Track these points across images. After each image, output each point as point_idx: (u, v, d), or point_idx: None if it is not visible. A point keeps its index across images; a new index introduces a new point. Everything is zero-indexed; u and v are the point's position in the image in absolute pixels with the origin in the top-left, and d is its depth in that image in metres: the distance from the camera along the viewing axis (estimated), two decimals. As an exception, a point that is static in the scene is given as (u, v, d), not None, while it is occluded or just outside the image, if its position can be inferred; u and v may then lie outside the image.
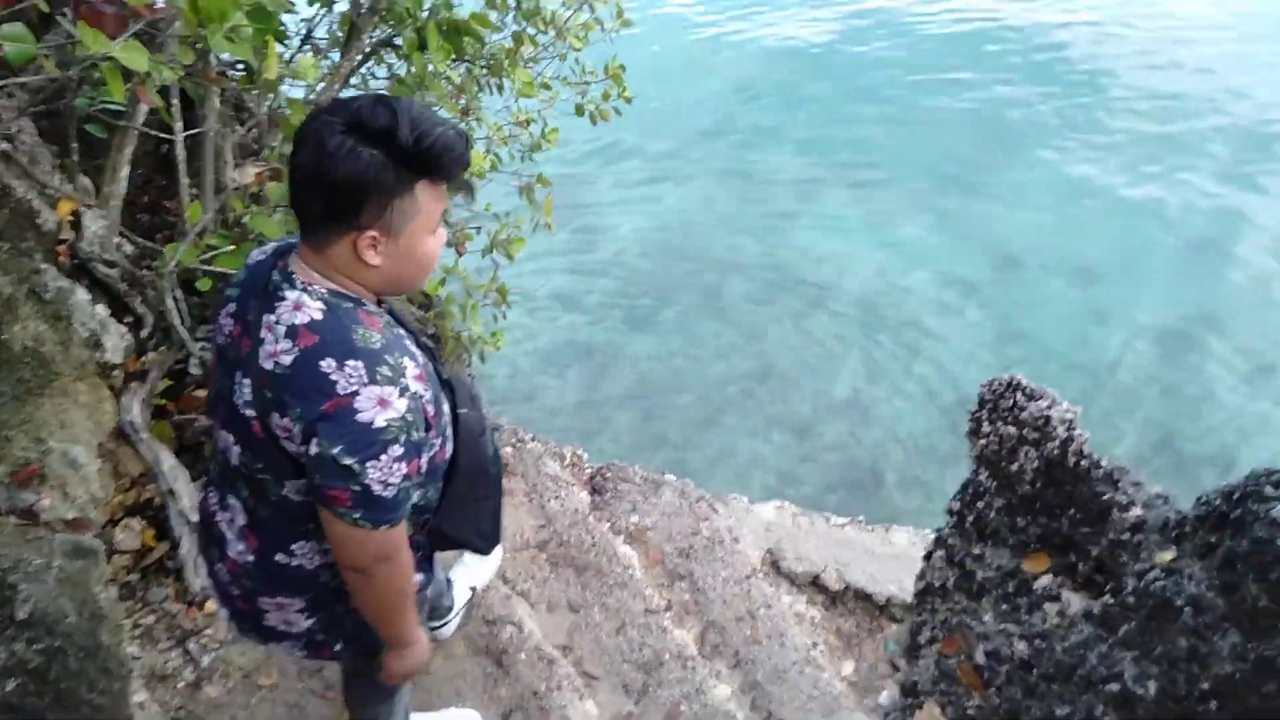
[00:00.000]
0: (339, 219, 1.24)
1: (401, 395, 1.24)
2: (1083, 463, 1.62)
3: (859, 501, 4.85)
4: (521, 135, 3.70)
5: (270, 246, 1.43)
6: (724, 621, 3.21)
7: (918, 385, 5.68)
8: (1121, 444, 5.25)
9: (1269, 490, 1.29)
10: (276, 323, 1.26)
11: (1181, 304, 6.18)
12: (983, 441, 1.75)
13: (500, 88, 3.46)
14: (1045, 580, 1.64)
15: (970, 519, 1.74)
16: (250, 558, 1.44)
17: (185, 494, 2.56)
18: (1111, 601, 1.48)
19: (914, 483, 5.12)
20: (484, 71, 3.33)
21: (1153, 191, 7.19)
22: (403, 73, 3.09)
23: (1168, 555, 1.41)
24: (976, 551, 1.73)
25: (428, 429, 1.32)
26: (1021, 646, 1.60)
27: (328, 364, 1.22)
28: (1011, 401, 1.73)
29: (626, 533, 3.45)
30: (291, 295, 1.28)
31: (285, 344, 1.25)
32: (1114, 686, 1.34)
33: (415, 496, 1.38)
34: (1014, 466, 1.69)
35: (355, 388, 1.21)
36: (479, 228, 3.48)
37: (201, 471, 2.31)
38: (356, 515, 1.25)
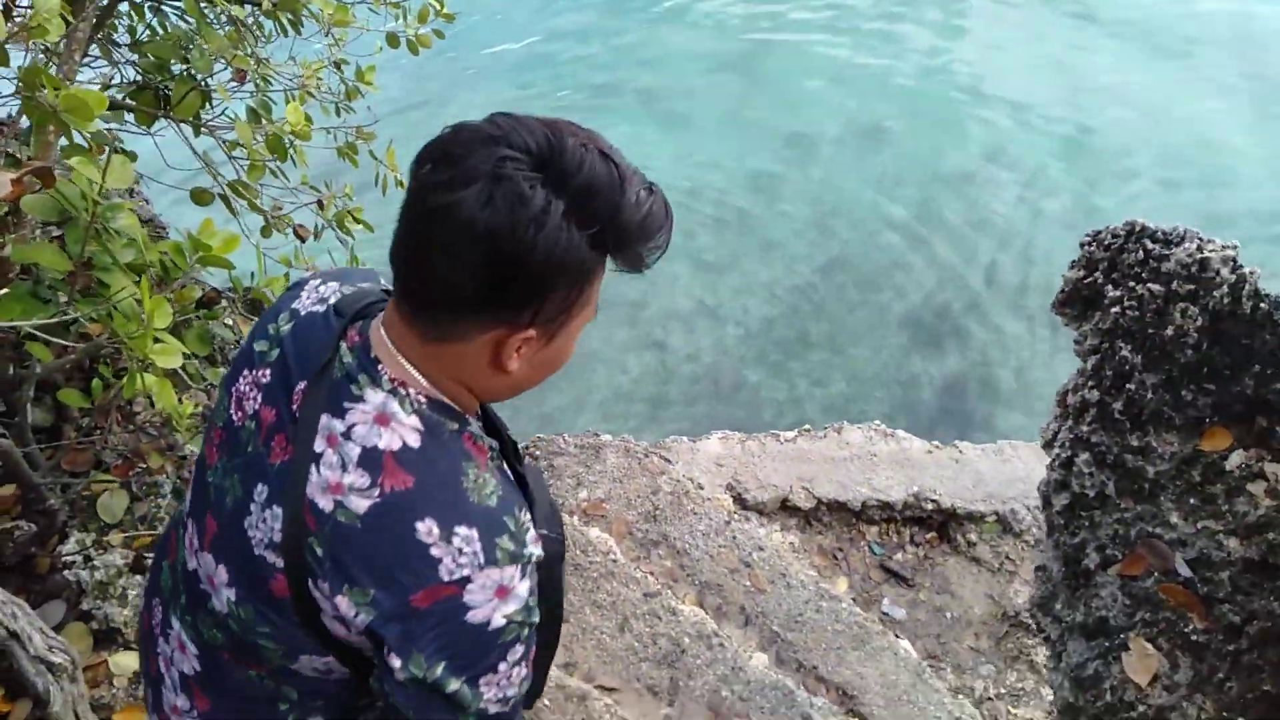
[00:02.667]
0: (499, 309, 0.82)
1: (524, 575, 0.84)
2: (1261, 305, 1.32)
3: (735, 409, 4.63)
4: (331, 82, 2.99)
5: (329, 287, 0.98)
6: (718, 579, 2.84)
7: (752, 280, 5.47)
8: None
9: None
10: (346, 436, 0.84)
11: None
12: (1114, 310, 1.41)
13: (296, 26, 2.74)
14: (1237, 457, 1.34)
15: (1117, 406, 1.41)
16: (194, 718, 1.00)
17: (34, 632, 1.86)
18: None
19: (782, 373, 4.93)
20: (274, 6, 2.60)
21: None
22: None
23: None
24: (1135, 443, 1.40)
25: None
26: (1234, 543, 1.30)
27: (428, 529, 0.81)
28: (1140, 253, 1.40)
29: (581, 512, 2.98)
30: (374, 398, 0.85)
31: (359, 476, 0.82)
32: None
33: None
34: (1168, 331, 1.36)
35: (467, 572, 0.80)
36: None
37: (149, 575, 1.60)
38: None
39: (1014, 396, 4.83)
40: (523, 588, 0.83)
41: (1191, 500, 1.37)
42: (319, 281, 1.00)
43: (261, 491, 0.87)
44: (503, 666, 0.83)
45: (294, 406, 0.88)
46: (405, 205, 0.82)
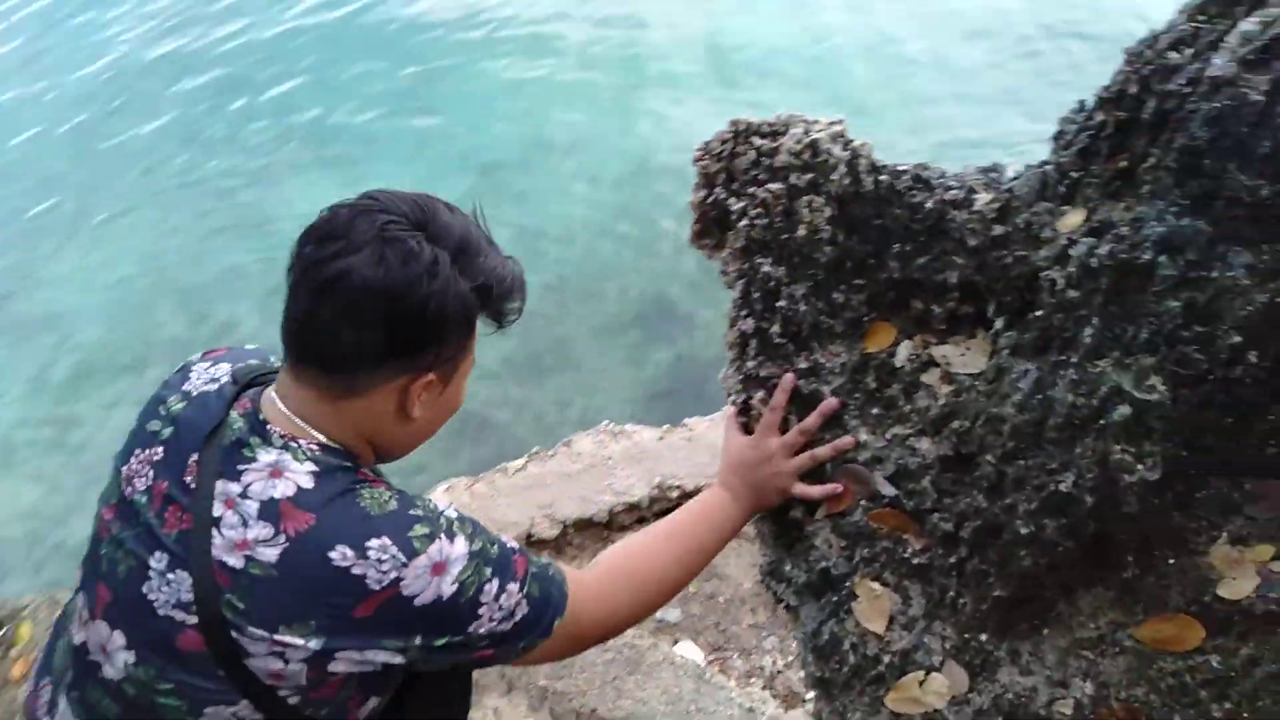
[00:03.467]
0: (401, 359, 0.91)
1: (451, 538, 0.90)
2: (883, 179, 1.18)
3: (485, 449, 4.35)
4: None
5: (220, 368, 1.02)
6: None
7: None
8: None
9: (1173, 57, 0.93)
10: (242, 496, 0.88)
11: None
12: (743, 224, 1.23)
13: None
14: (904, 350, 1.20)
15: (775, 330, 1.23)
16: None
17: None
18: (1020, 320, 1.07)
19: (527, 404, 4.71)
20: None
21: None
22: None
23: (1074, 218, 1.02)
24: (804, 365, 1.23)
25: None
26: (926, 444, 1.15)
27: (340, 554, 0.86)
28: (751, 153, 1.23)
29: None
30: (266, 456, 0.90)
31: (262, 529, 0.87)
32: (1114, 404, 0.92)
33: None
34: (800, 232, 1.19)
35: (394, 574, 0.86)
36: None
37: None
38: (519, 647, 0.97)
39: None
40: (456, 548, 0.89)
41: (874, 410, 1.21)
42: (208, 364, 1.03)
43: (160, 559, 0.90)
44: (483, 610, 0.90)
45: (187, 478, 0.91)
46: (295, 283, 0.90)
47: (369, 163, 6.22)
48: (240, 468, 0.90)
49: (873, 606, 1.16)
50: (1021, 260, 1.05)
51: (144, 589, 0.90)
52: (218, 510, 0.88)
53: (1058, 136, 1.08)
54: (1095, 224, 0.99)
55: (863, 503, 1.18)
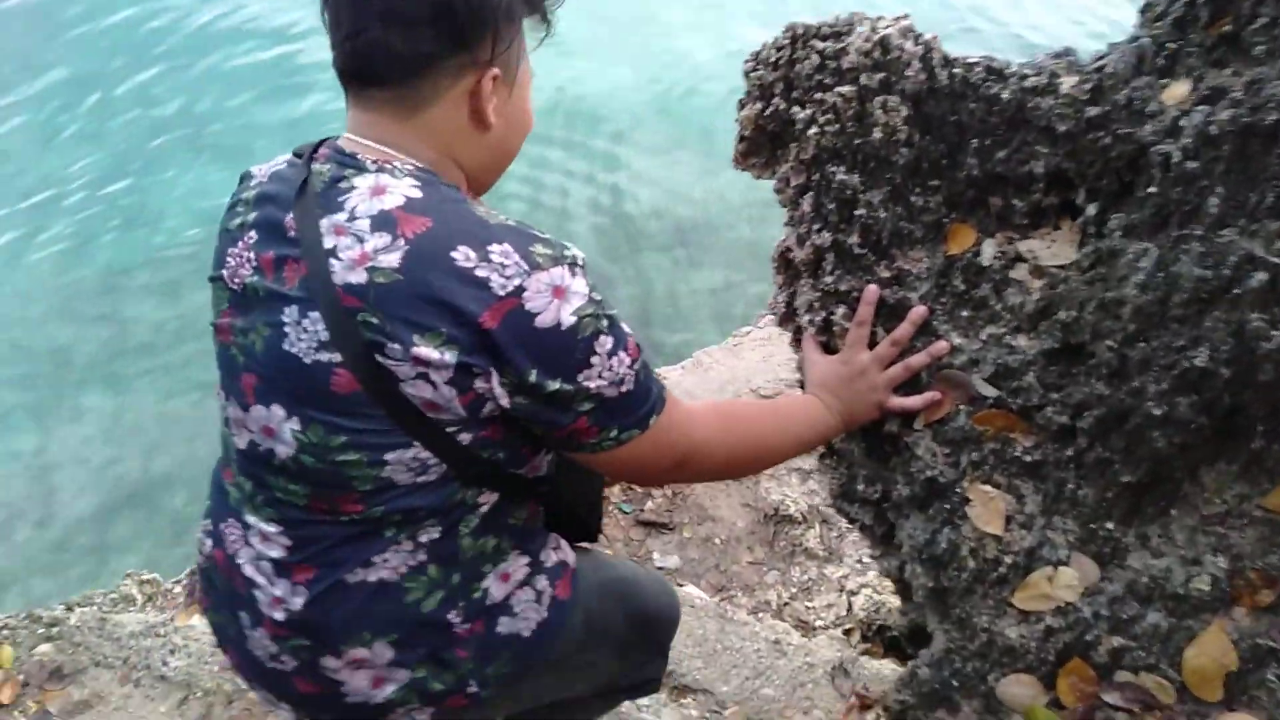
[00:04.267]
0: (458, 50, 0.87)
1: (574, 273, 0.85)
2: (956, 72, 1.13)
3: None
4: None
5: (276, 160, 0.98)
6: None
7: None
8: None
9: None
10: (350, 220, 0.84)
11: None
12: (812, 131, 1.17)
13: None
14: (989, 248, 1.17)
15: (854, 241, 1.18)
16: (301, 598, 0.94)
17: None
18: (1124, 202, 1.05)
19: None
20: None
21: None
22: None
23: (1180, 89, 1.00)
24: (887, 274, 1.19)
25: None
26: (1024, 341, 1.13)
27: (463, 255, 0.81)
28: (815, 57, 1.16)
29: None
30: (364, 181, 0.86)
31: (379, 238, 0.82)
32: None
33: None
34: (875, 135, 1.14)
35: (518, 281, 0.82)
36: None
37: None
38: (613, 433, 0.90)
39: (673, 318, 4.82)
40: (578, 284, 0.84)
41: (964, 313, 1.18)
42: (260, 165, 0.99)
43: (290, 311, 0.86)
44: (595, 360, 0.85)
45: (290, 234, 0.88)
46: (333, 9, 0.87)
47: (249, 147, 5.84)
48: (341, 199, 0.86)
49: (988, 509, 1.14)
50: (1124, 139, 1.03)
51: (284, 346, 0.87)
52: (329, 242, 0.84)
53: (1145, 9, 1.06)
54: (1205, 92, 0.97)
55: (962, 408, 1.16)
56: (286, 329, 0.87)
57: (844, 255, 1.19)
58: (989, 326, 1.16)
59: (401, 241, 0.82)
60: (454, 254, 0.81)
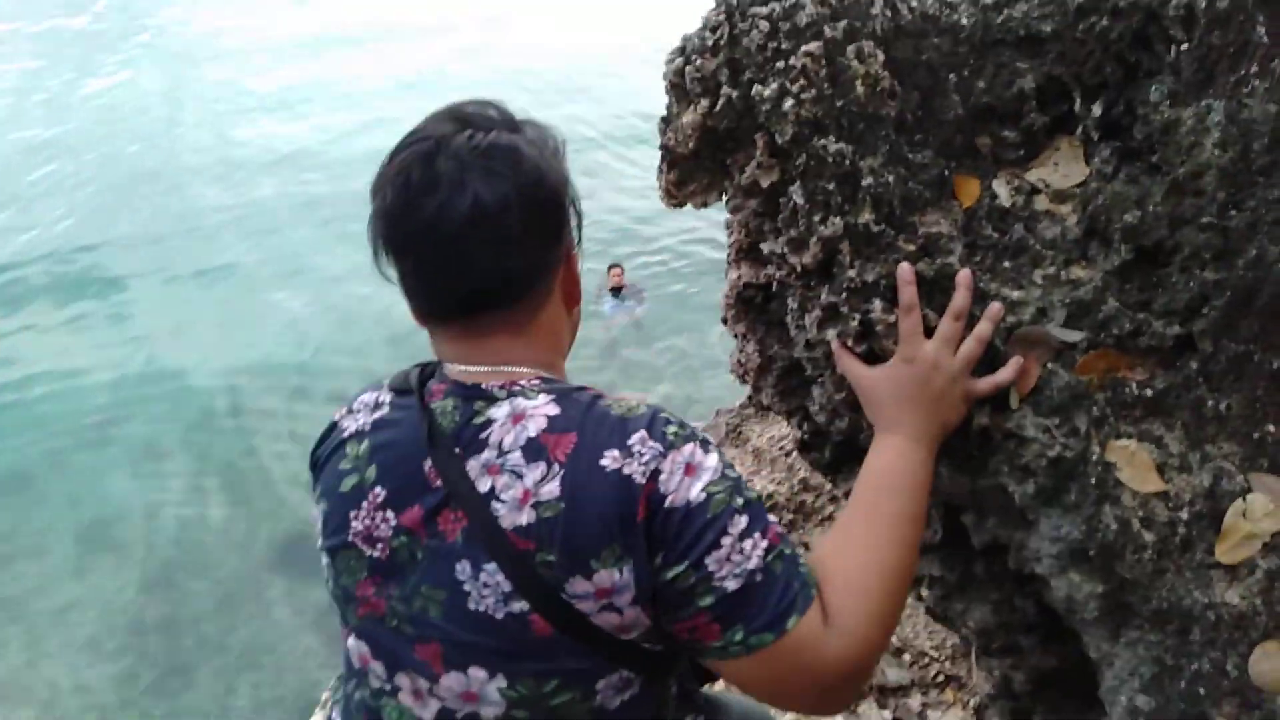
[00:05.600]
0: (553, 245, 0.89)
1: (706, 450, 0.81)
2: (913, 5, 1.02)
3: None
4: None
5: (363, 400, 0.94)
6: None
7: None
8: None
9: None
10: (500, 455, 0.81)
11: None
12: (788, 105, 0.98)
13: None
14: (1001, 189, 1.04)
15: (855, 225, 0.99)
16: None
17: None
18: (1139, 81, 0.96)
19: None
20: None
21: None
22: None
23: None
24: (912, 247, 1.00)
25: None
26: (1081, 271, 0.99)
27: (611, 459, 0.79)
28: (762, 26, 1.00)
29: None
30: (499, 411, 0.83)
31: (535, 471, 0.80)
32: None
33: None
34: (858, 91, 0.98)
35: (654, 464, 0.79)
36: None
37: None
38: (738, 636, 0.78)
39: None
40: (709, 460, 0.81)
41: (1006, 263, 1.02)
42: (346, 409, 0.95)
43: (463, 568, 0.81)
44: (726, 541, 0.78)
45: (435, 484, 0.83)
46: (418, 255, 0.85)
47: None
48: (482, 435, 0.82)
49: (1136, 466, 0.95)
50: (1126, 12, 0.95)
51: (470, 606, 0.81)
52: (483, 485, 0.81)
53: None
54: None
55: (1050, 366, 0.97)
56: (466, 587, 0.81)
57: (860, 239, 0.99)
58: (1038, 269, 1.01)
59: (557, 467, 0.79)
60: (602, 461, 0.79)
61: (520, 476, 0.79)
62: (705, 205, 1.13)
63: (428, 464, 0.83)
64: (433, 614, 0.83)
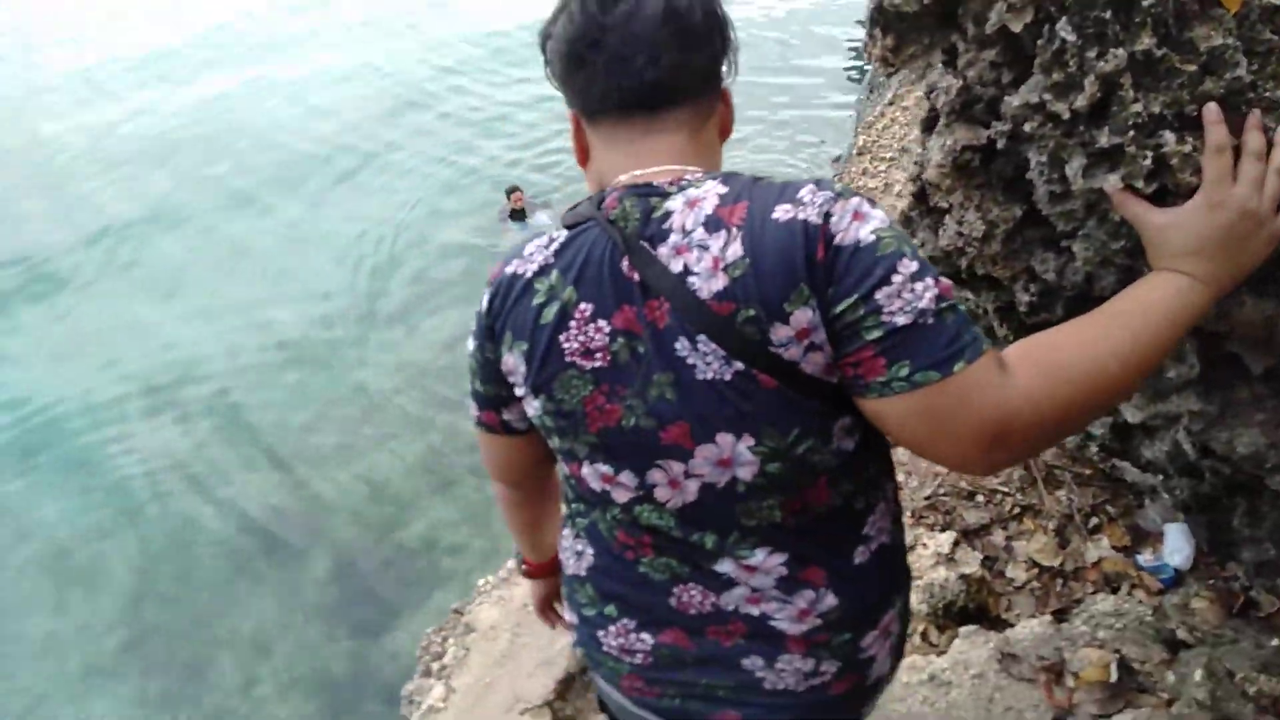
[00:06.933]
0: (723, 59, 0.96)
1: (873, 204, 0.84)
2: None
3: None
4: None
5: (536, 242, 0.95)
6: None
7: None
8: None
9: None
10: (685, 236, 0.85)
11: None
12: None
13: None
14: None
15: (1145, 54, 0.89)
16: (832, 595, 0.96)
17: None
18: None
19: None
20: None
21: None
22: None
23: None
24: (1195, 67, 0.91)
25: None
26: (1270, 33, 0.91)
27: (783, 211, 0.83)
28: None
29: None
30: (675, 202, 0.88)
31: (718, 239, 0.84)
32: None
33: None
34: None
35: (827, 206, 0.82)
36: None
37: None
38: (904, 372, 0.79)
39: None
40: (877, 211, 0.83)
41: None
42: (514, 260, 0.96)
43: (683, 345, 0.86)
44: (896, 278, 0.79)
45: (635, 278, 0.87)
46: (612, 48, 0.90)
47: None
48: (664, 225, 0.87)
49: None
50: None
51: (699, 377, 0.86)
52: (676, 266, 0.85)
53: None
54: None
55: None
56: (690, 360, 0.86)
57: (1141, 68, 0.89)
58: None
59: (735, 230, 0.83)
60: (775, 214, 0.82)
61: (707, 249, 0.84)
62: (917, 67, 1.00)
63: (625, 264, 0.88)
64: (670, 396, 0.88)
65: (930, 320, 0.79)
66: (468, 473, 5.06)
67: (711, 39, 0.92)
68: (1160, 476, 1.41)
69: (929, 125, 1.11)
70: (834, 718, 1.03)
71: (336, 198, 7.52)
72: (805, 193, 0.84)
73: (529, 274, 0.93)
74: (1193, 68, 0.90)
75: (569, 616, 1.12)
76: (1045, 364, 0.81)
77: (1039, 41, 0.91)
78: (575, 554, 1.06)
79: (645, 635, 1.01)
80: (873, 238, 0.80)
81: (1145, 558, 2.26)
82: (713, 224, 0.84)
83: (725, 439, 0.88)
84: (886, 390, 0.80)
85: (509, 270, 0.96)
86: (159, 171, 8.33)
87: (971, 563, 2.40)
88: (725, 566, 0.95)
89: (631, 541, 0.98)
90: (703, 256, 0.84)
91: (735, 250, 0.82)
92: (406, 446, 5.30)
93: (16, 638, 5.13)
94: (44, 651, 5.07)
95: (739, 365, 0.84)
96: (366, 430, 5.43)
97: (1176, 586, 2.17)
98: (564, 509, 1.09)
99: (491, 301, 0.96)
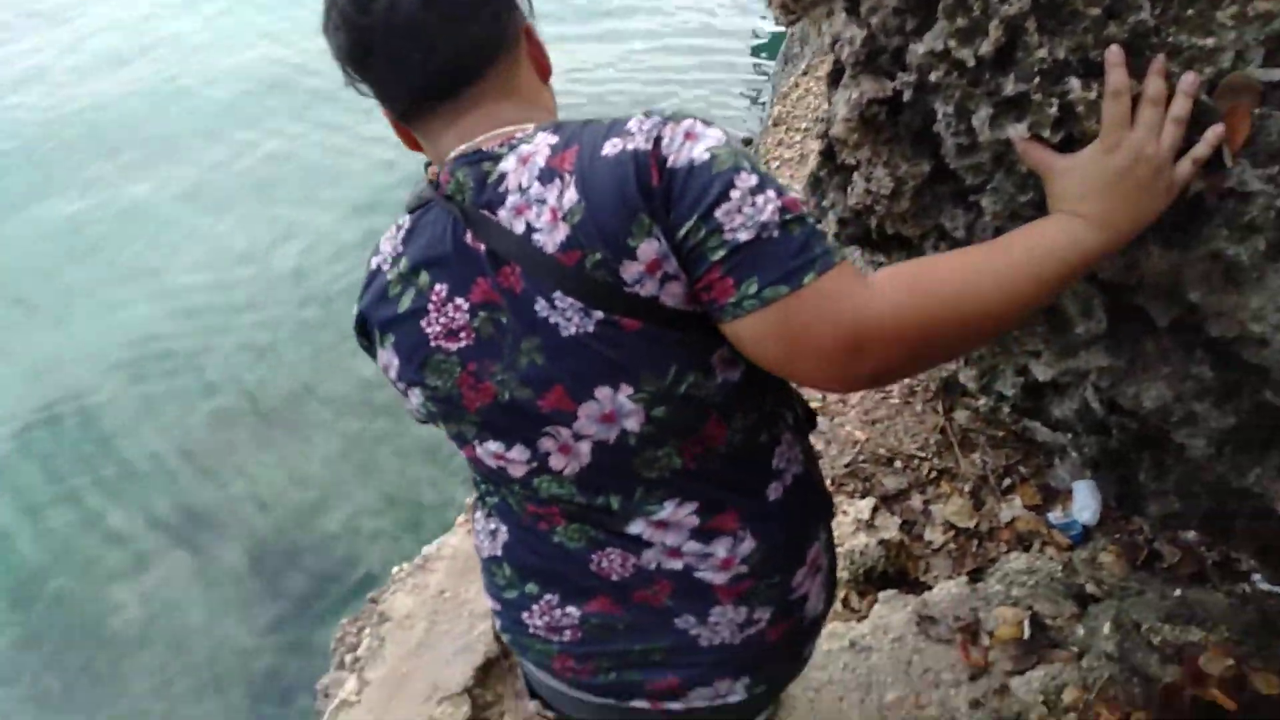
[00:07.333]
0: (511, 12, 0.91)
1: (707, 123, 0.80)
2: None
3: None
4: None
5: (393, 227, 0.94)
6: None
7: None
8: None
9: None
10: (524, 197, 0.82)
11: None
12: None
13: None
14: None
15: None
16: (750, 538, 0.93)
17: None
18: None
19: None
20: None
21: None
22: None
23: None
24: (1098, 10, 0.88)
25: None
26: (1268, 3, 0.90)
27: (611, 144, 0.80)
28: None
29: None
30: (507, 162, 0.84)
31: (553, 189, 0.81)
32: None
33: None
34: None
35: (656, 131, 0.79)
36: None
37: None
38: (753, 289, 0.76)
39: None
40: (712, 130, 0.80)
41: (1189, 11, 0.92)
42: (373, 253, 0.96)
43: (541, 306, 0.83)
44: (735, 194, 0.76)
45: (480, 250, 0.85)
46: (394, 46, 0.85)
47: None
48: (499, 188, 0.83)
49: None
50: None
51: (564, 334, 0.83)
52: (519, 226, 0.82)
53: None
54: None
55: (1258, 111, 0.90)
56: (553, 321, 0.83)
57: (1045, 11, 0.86)
58: (1220, 10, 0.91)
59: (568, 177, 0.80)
60: (604, 150, 0.79)
61: (544, 202, 0.81)
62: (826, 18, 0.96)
63: (469, 237, 0.85)
64: (539, 361, 0.85)
65: (775, 234, 0.76)
66: (392, 455, 4.93)
67: (482, 2, 0.86)
68: (1070, 435, 1.42)
69: (834, 79, 1.07)
70: (775, 663, 1.02)
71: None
72: (633, 124, 0.81)
73: (385, 266, 0.92)
74: (1096, 11, 0.88)
75: (490, 603, 1.08)
76: (913, 278, 0.79)
77: (941, -15, 0.88)
78: (489, 534, 1.03)
79: (571, 608, 0.98)
80: (706, 155, 0.77)
81: (1055, 515, 2.30)
82: (546, 175, 0.81)
83: (604, 392, 0.85)
84: (739, 311, 0.77)
85: (371, 266, 0.95)
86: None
87: (890, 528, 2.41)
88: (637, 527, 0.92)
89: (542, 512, 0.95)
90: (541, 211, 0.81)
91: (570, 196, 0.79)
92: (328, 432, 5.13)
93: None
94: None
95: (599, 314, 0.81)
96: (289, 417, 5.23)
97: (1085, 542, 2.22)
98: (474, 491, 1.06)
99: (361, 296, 0.95)
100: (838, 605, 2.22)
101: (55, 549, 5.05)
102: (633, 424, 0.86)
